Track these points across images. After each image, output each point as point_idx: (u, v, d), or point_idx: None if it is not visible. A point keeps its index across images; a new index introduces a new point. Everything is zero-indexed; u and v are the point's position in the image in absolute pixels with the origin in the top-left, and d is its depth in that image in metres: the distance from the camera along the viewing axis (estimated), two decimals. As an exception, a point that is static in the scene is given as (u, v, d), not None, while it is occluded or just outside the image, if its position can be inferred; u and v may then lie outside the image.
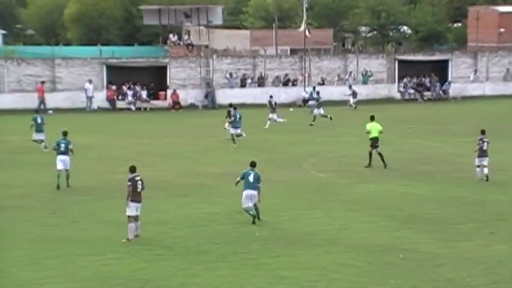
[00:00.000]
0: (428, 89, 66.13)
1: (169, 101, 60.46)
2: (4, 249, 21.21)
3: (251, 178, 24.52)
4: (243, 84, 63.00)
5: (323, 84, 64.58)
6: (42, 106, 55.59)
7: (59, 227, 23.81)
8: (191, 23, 68.92)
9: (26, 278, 18.78)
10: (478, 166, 31.24)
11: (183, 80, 62.42)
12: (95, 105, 57.88)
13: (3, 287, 18.19)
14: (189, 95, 61.88)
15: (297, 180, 31.40)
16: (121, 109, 58.19)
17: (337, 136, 44.55)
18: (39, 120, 38.78)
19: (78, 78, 59.83)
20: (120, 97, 59.76)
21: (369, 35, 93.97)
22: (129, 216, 22.23)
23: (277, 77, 64.25)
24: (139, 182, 22.44)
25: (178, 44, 68.56)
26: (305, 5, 66.39)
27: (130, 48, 72.27)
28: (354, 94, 59.19)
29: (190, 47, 67.41)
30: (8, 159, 35.93)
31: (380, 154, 34.06)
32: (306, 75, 64.38)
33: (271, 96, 49.61)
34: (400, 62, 66.53)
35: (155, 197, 26.57)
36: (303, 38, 64.56)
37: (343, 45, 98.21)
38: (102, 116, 54.20)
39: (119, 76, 60.48)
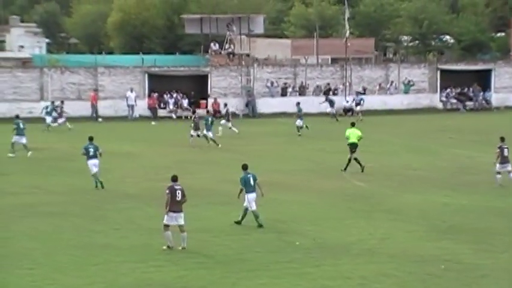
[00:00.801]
0: (470, 99, 65.62)
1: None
2: (48, 254, 21.41)
3: (251, 181, 24.96)
4: (283, 93, 63.02)
5: (364, 93, 64.34)
6: (94, 114, 56.25)
7: (100, 233, 23.98)
8: (233, 32, 69.09)
9: (68, 284, 18.94)
10: (499, 173, 31.68)
11: (224, 89, 62.64)
12: (136, 114, 58.28)
13: (47, 292, 18.38)
14: (230, 104, 61.92)
15: (337, 189, 31.31)
16: (162, 117, 58.50)
17: (378, 145, 44.31)
18: (21, 125, 40.18)
19: (120, 87, 60.36)
20: (161, 105, 60.14)
21: (411, 44, 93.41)
22: (165, 225, 22.03)
23: (317, 86, 64.17)
24: (179, 192, 22.17)
25: (220, 52, 68.77)
26: (347, 15, 66.22)
27: (172, 57, 72.65)
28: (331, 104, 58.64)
29: (231, 56, 67.58)
30: (52, 166, 36.34)
31: (356, 159, 35.16)
32: (347, 84, 64.22)
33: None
34: (442, 71, 66.11)
35: (196, 205, 26.65)
36: (345, 47, 64.41)
37: (385, 55, 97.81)
38: (144, 124, 54.53)
39: (160, 85, 60.88)
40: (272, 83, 63.01)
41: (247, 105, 61.31)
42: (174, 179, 22.50)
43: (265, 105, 61.04)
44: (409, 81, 65.53)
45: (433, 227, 25.09)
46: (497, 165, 31.68)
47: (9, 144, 41.15)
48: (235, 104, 61.91)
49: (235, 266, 20.66)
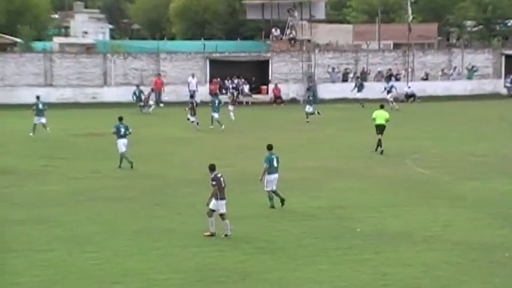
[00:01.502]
0: (536, 85, 64.49)
1: (270, 95, 60.68)
2: (111, 239, 21.67)
3: (275, 162, 25.24)
4: (345, 79, 62.68)
5: (426, 79, 63.71)
6: (158, 98, 56.70)
7: (162, 218, 24.17)
8: (294, 17, 68.90)
9: (131, 268, 19.15)
10: None
11: (285, 75, 62.58)
12: (197, 99, 58.47)
13: (111, 276, 18.58)
14: (291, 90, 62.00)
15: (399, 176, 31.05)
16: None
17: (441, 131, 43.88)
18: (40, 106, 41.57)
19: (182, 72, 60.80)
20: (222, 91, 60.34)
21: (475, 29, 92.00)
22: (211, 210, 21.93)
23: (379, 72, 63.70)
24: (222, 179, 22.19)
25: (281, 38, 68.65)
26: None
27: (233, 43, 72.80)
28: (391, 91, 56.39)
29: (292, 42, 67.41)
30: (113, 151, 36.71)
31: (379, 140, 35.67)
32: (409, 70, 63.63)
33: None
34: (507, 56, 65.07)
35: (255, 191, 26.70)
36: (407, 32, 63.76)
37: (448, 40, 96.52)
38: (204, 110, 54.65)
39: (221, 70, 61.10)
40: (333, 69, 62.72)
41: (308, 90, 61.13)
42: (213, 168, 22.33)
43: (326, 90, 60.80)
44: (472, 67, 64.66)
45: (496, 215, 24.73)
46: None
47: (72, 129, 41.83)
48: (296, 90, 61.88)
49: (295, 251, 20.65)
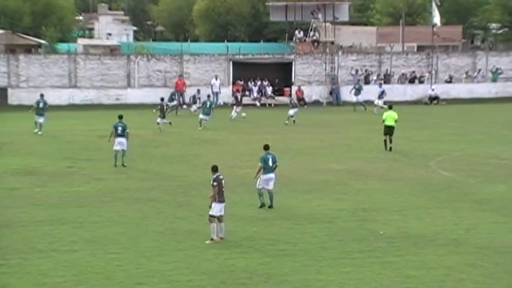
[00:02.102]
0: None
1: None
2: (135, 240, 21.73)
3: (270, 162, 25.50)
4: (366, 81, 62.52)
5: (450, 81, 63.44)
6: (181, 100, 56.71)
7: (185, 220, 24.21)
8: (318, 19, 68.85)
9: (154, 269, 19.20)
10: None
11: (308, 77, 62.55)
12: (220, 101, 58.64)
13: (134, 277, 18.64)
14: (314, 92, 61.95)
15: (423, 178, 30.93)
16: (246, 105, 58.69)
17: (465, 134, 43.66)
18: (41, 105, 41.84)
19: (205, 74, 60.94)
20: (245, 93, 60.39)
21: (500, 31, 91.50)
22: (212, 216, 21.65)
23: (403, 74, 63.50)
24: (223, 181, 21.92)
25: (304, 40, 68.64)
26: (436, 2, 65.28)
27: (257, 45, 72.79)
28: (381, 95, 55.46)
29: (316, 44, 67.37)
30: (138, 152, 36.85)
31: (390, 141, 36.83)
32: (433, 72, 63.40)
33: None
34: (532, 59, 64.66)
35: (279, 192, 26.69)
36: (431, 35, 63.53)
37: (472, 42, 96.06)
38: (228, 112, 54.78)
39: (244, 72, 61.18)
40: (357, 71, 62.59)
41: (331, 93, 61.08)
42: (215, 169, 22.05)
43: (349, 93, 60.68)
44: (497, 69, 64.30)
45: (520, 218, 24.57)
46: None
47: (96, 130, 42.05)
48: (319, 92, 61.81)
49: (318, 253, 20.62)
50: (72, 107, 56.53)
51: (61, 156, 35.98)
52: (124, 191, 28.43)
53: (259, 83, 61.08)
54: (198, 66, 61.56)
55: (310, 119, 50.71)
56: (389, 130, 36.89)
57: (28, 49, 70.06)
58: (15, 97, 57.64)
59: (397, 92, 61.31)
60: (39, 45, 73.23)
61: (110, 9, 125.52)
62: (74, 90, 59.28)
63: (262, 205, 25.59)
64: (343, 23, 76.53)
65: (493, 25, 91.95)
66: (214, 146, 39.38)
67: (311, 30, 68.59)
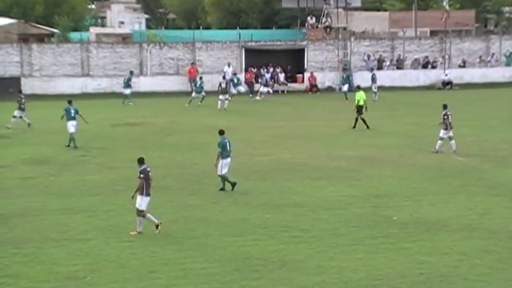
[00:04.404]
0: None
1: (306, 83, 60.54)
2: (147, 228, 21.70)
3: (228, 146, 26.00)
4: (379, 66, 62.30)
5: (464, 66, 63.14)
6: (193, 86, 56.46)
7: (198, 207, 24.23)
8: (330, 5, 68.58)
9: (168, 257, 19.22)
10: (441, 139, 32.82)
11: (321, 63, 62.43)
12: (241, 88, 58.48)
13: (148, 265, 18.67)
14: (327, 78, 61.81)
15: (436, 164, 30.83)
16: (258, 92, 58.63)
17: (479, 119, 43.46)
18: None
19: (217, 62, 60.90)
20: (258, 80, 60.27)
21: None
22: (141, 211, 21.21)
23: (416, 59, 63.26)
24: (150, 174, 21.51)
25: (317, 26, 68.40)
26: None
27: (269, 32, 72.61)
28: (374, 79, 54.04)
29: (328, 30, 67.13)
30: (151, 140, 36.89)
31: (363, 119, 39.22)
32: (446, 57, 63.12)
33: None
34: (546, 43, 64.27)
35: (292, 179, 26.67)
36: (444, 19, 63.24)
37: (485, 26, 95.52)
38: (240, 99, 54.76)
39: (257, 59, 61.08)
40: (369, 57, 62.39)
41: (343, 78, 60.88)
42: (142, 161, 21.60)
43: (361, 78, 60.48)
44: (511, 53, 63.96)
45: (535, 203, 24.47)
46: (441, 131, 32.94)
47: (109, 118, 42.06)
48: (331, 78, 61.65)
49: (332, 240, 20.60)
50: (85, 95, 56.55)
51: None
52: (136, 179, 28.37)
53: (271, 69, 60.96)
54: (211, 53, 61.52)
55: (323, 105, 50.60)
56: (361, 108, 39.61)
57: (41, 38, 70.19)
58: (28, 86, 57.71)
59: (410, 77, 61.13)
60: (52, 35, 73.33)
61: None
62: (87, 79, 59.39)
63: (223, 189, 26.00)
64: (356, 9, 76.21)
65: (507, 9, 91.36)
66: (226, 134, 39.26)
67: (323, 16, 68.33)
